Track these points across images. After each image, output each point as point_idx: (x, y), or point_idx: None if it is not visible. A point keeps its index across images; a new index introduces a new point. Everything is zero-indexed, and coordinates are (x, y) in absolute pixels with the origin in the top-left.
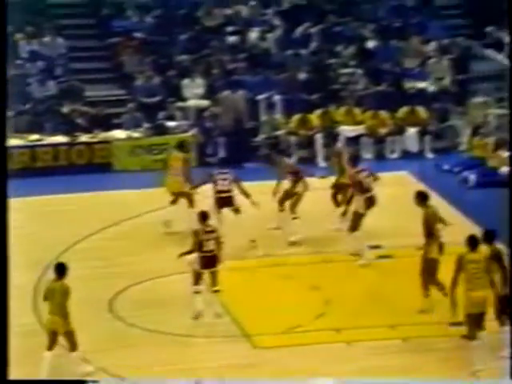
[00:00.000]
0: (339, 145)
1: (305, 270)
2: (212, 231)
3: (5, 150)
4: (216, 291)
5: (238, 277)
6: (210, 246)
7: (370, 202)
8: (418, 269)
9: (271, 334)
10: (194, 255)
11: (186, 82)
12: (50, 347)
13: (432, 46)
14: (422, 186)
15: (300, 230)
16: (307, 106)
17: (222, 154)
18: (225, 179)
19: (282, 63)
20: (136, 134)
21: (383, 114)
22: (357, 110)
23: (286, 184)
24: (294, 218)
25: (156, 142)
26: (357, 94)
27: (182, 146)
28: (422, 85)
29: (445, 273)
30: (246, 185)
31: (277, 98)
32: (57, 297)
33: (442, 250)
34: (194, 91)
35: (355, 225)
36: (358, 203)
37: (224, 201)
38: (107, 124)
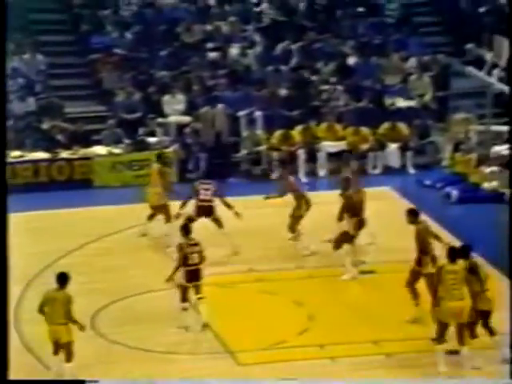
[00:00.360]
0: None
1: (288, 285)
2: (196, 244)
3: (4, 164)
4: (200, 298)
5: (222, 292)
6: (195, 259)
7: (361, 225)
8: (401, 284)
9: (255, 350)
10: (181, 270)
11: (166, 98)
12: (56, 353)
13: (412, 62)
14: (404, 202)
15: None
16: (288, 122)
17: (203, 169)
18: (207, 189)
19: (263, 79)
20: (116, 150)
21: (364, 130)
22: (338, 126)
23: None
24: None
25: (136, 157)
26: (338, 110)
27: (159, 157)
28: (402, 101)
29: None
30: (229, 199)
31: (258, 114)
32: (58, 306)
33: (436, 263)
34: (174, 107)
35: (340, 244)
36: (350, 225)
37: (204, 210)
38: (87, 140)
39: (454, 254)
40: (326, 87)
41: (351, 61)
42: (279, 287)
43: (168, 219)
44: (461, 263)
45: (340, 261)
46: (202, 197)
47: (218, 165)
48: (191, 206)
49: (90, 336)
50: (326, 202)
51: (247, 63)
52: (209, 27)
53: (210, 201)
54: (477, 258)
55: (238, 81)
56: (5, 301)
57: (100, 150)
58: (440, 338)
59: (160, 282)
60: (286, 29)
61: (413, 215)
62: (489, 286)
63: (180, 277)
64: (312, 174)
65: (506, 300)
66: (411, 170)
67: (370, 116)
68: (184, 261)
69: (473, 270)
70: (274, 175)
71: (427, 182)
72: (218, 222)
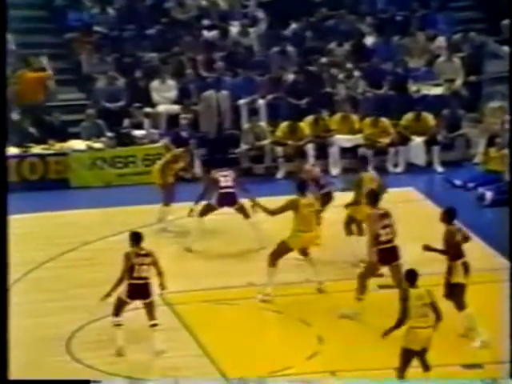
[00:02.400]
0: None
1: (295, 301)
2: (146, 255)
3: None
4: (153, 325)
5: (217, 310)
6: (143, 272)
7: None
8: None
9: (256, 377)
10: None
11: (154, 84)
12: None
13: (440, 42)
14: (430, 205)
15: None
16: (296, 112)
17: (198, 167)
18: (226, 176)
19: (266, 62)
20: (97, 145)
21: (384, 121)
22: (354, 117)
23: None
24: None
25: (120, 153)
26: (354, 98)
27: None
28: (428, 88)
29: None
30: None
31: (260, 102)
32: None
33: (468, 272)
34: (164, 95)
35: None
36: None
37: (227, 198)
38: (64, 133)
39: (413, 277)
40: (339, 72)
41: (369, 41)
42: (284, 304)
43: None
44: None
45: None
46: (222, 184)
47: (214, 162)
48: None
49: (66, 361)
50: (338, 206)
51: (248, 44)
52: (204, 2)
53: (232, 187)
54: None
55: (238, 64)
56: (5, 300)
57: (78, 144)
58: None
59: None
60: (294, 4)
61: (449, 216)
62: None
63: (121, 291)
64: (323, 172)
65: None
66: (439, 168)
67: (391, 105)
68: (129, 273)
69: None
70: (279, 174)
71: (457, 182)
72: (244, 212)
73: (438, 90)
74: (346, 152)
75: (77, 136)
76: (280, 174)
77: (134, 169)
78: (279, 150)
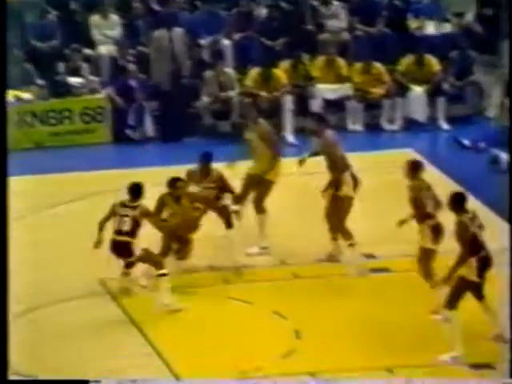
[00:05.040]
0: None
1: (268, 289)
2: (135, 207)
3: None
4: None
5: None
6: (124, 225)
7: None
8: (424, 286)
9: (220, 380)
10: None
11: (95, 19)
12: None
13: None
14: (433, 170)
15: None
16: (269, 56)
17: (148, 124)
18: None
19: None
20: (26, 95)
21: (378, 66)
22: (340, 62)
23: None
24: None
25: (54, 106)
26: (340, 38)
27: None
28: (432, 24)
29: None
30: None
31: (226, 43)
32: None
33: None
34: (106, 33)
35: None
36: None
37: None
38: None
39: None
40: (323, 5)
41: None
42: (255, 292)
43: None
44: None
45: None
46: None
47: (169, 119)
48: None
49: None
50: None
51: None
52: None
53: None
54: None
55: None
56: (5, 300)
57: None
58: None
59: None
60: None
61: (459, 203)
62: None
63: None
64: (303, 131)
65: None
66: (444, 125)
67: (387, 46)
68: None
69: None
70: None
71: (466, 142)
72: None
73: (444, 27)
74: (331, 105)
75: None
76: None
77: (71, 126)
78: (249, 102)
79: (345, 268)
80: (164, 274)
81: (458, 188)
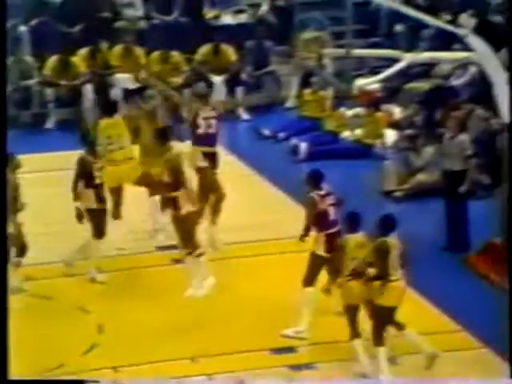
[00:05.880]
0: None
1: (67, 283)
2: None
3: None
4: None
5: None
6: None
7: None
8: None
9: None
10: None
11: None
12: None
13: None
14: (233, 160)
15: None
16: (66, 43)
17: None
18: None
19: None
20: None
21: (176, 55)
22: (138, 51)
23: None
24: None
25: None
26: (137, 26)
27: None
28: (229, 14)
29: None
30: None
31: (23, 29)
32: None
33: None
34: None
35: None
36: None
37: None
38: None
39: None
40: None
41: None
42: (54, 287)
43: None
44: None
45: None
46: None
47: None
48: None
49: None
50: None
51: None
52: None
53: None
54: None
55: None
56: (5, 300)
57: None
58: None
59: None
60: None
61: (314, 179)
62: None
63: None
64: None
65: None
66: (243, 114)
67: (184, 35)
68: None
69: None
70: (49, 123)
71: (265, 132)
72: None
73: (240, 18)
74: (131, 95)
75: None
76: (50, 123)
77: None
78: (49, 92)
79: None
80: None
81: (260, 179)
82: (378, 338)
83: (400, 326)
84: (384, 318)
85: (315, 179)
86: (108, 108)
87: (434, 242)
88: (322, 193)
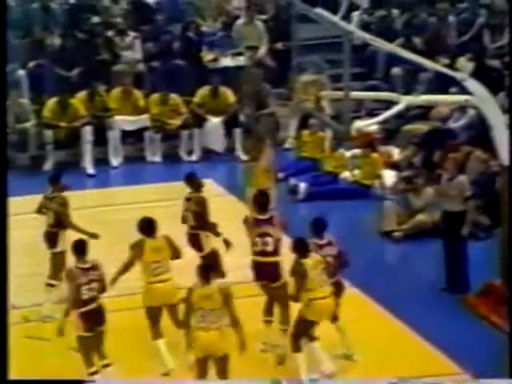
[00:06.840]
0: None
1: None
2: (93, 268)
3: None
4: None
5: None
6: (93, 291)
7: None
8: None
9: None
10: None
11: None
12: None
13: (238, 1)
14: (233, 200)
15: None
16: (65, 86)
17: None
18: None
19: (26, 22)
20: None
21: (175, 98)
22: (137, 93)
23: None
24: None
25: None
26: (135, 69)
27: None
28: (227, 57)
29: None
30: None
31: (21, 73)
32: None
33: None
34: None
35: None
36: None
37: None
38: None
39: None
40: (117, 35)
41: None
42: None
43: None
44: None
45: None
46: None
47: None
48: None
49: None
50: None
51: None
52: None
53: None
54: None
55: None
56: (5, 299)
57: None
58: None
59: None
60: None
61: (317, 228)
62: None
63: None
64: (103, 162)
65: None
66: (242, 155)
67: (183, 78)
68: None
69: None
70: (47, 165)
71: None
72: None
73: (238, 61)
74: (129, 136)
75: None
76: (48, 165)
77: None
78: (48, 134)
79: None
80: None
81: None
82: (296, 346)
83: (312, 338)
84: (304, 329)
85: (317, 228)
86: (147, 228)
87: (434, 283)
88: (322, 242)
